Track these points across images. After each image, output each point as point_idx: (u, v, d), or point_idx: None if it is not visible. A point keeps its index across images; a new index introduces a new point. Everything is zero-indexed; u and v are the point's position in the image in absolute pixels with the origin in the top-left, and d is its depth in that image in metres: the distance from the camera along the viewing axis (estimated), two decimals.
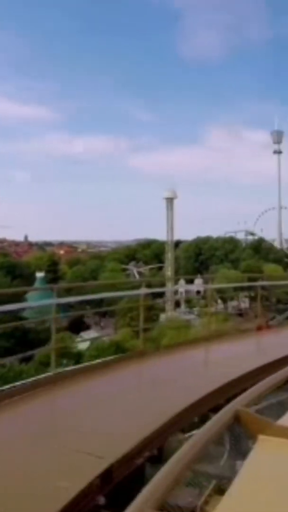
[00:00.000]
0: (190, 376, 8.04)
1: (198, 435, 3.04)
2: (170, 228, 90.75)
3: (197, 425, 5.10)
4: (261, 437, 2.97)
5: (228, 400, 4.18)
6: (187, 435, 5.20)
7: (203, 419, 4.94)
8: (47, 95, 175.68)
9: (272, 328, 13.57)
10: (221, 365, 8.64)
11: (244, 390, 3.92)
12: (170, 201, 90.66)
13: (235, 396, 3.86)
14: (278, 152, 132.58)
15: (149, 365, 9.21)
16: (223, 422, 3.21)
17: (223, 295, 57.47)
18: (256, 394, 3.75)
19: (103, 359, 10.76)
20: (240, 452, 3.11)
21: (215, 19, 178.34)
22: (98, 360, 10.81)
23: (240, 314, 65.91)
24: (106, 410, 6.09)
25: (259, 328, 12.68)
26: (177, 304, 72.07)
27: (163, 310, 62.28)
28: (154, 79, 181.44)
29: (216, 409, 4.29)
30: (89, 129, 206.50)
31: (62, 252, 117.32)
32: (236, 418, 3.25)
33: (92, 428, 5.45)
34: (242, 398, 3.62)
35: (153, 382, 7.65)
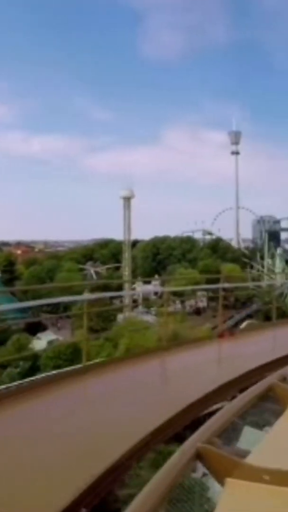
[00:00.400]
0: (141, 403, 6.78)
1: (156, 480, 2.63)
2: (127, 227, 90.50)
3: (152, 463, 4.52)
4: (229, 480, 2.65)
5: (186, 428, 3.68)
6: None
7: (157, 458, 4.48)
8: (3, 93, 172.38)
9: (235, 335, 12.53)
10: (177, 384, 7.83)
11: (205, 416, 3.45)
12: (127, 200, 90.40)
13: (194, 424, 3.33)
14: (236, 153, 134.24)
15: (90, 384, 8.00)
16: (183, 463, 2.77)
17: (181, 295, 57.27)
18: (219, 425, 3.22)
19: (43, 375, 9.69)
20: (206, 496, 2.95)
21: (177, 19, 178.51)
22: (34, 378, 9.85)
23: (198, 312, 66.09)
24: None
25: (221, 336, 11.72)
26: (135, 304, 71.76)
27: (120, 310, 61.78)
28: (114, 78, 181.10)
29: (173, 440, 3.79)
30: (47, 128, 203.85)
31: (19, 252, 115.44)
32: (199, 456, 2.86)
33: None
34: (204, 430, 3.13)
35: (94, 411, 6.47)
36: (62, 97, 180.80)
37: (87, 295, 9.50)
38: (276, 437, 3.25)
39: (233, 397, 4.60)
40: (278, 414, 3.46)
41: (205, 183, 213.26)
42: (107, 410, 6.27)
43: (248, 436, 3.53)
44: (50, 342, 52.49)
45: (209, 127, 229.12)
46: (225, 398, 6.58)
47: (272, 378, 3.76)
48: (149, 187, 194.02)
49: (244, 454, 2.90)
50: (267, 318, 48.96)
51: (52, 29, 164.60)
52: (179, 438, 5.51)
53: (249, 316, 63.92)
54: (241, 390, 6.60)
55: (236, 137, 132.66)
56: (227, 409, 3.47)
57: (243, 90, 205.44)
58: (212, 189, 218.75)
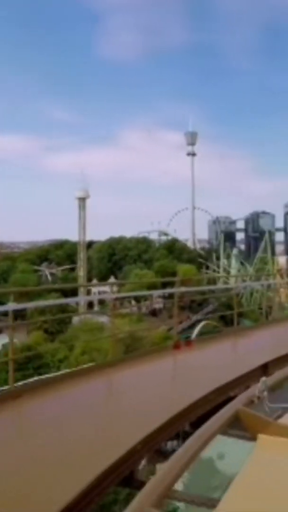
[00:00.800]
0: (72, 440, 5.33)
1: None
2: (82, 228, 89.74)
3: None
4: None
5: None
6: None
7: None
8: None
9: (192, 345, 10.63)
10: (118, 424, 5.83)
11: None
12: (82, 200, 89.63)
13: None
14: (192, 154, 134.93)
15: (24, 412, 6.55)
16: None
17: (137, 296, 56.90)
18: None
19: None
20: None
21: (136, 20, 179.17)
22: None
23: (154, 313, 65.93)
24: None
25: (176, 347, 10.06)
26: (90, 305, 71.08)
27: (75, 311, 61.02)
28: (73, 78, 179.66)
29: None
30: (4, 127, 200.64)
31: None
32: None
33: None
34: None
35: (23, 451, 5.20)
36: (21, 97, 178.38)
37: (11, 305, 7.74)
38: None
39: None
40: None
41: (161, 184, 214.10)
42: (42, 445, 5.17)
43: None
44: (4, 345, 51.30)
45: (166, 128, 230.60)
46: (172, 435, 6.00)
47: (238, 403, 3.70)
48: (105, 187, 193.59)
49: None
50: (222, 317, 49.35)
51: (11, 28, 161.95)
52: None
53: (205, 317, 64.09)
54: (194, 423, 6.09)
55: (192, 138, 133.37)
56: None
57: (200, 91, 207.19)
58: (168, 189, 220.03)
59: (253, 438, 2.99)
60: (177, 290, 11.27)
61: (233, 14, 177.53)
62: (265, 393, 3.64)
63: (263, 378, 3.80)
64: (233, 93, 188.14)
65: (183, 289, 12.09)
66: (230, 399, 6.50)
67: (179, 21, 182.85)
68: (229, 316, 15.66)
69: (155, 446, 5.54)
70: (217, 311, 56.06)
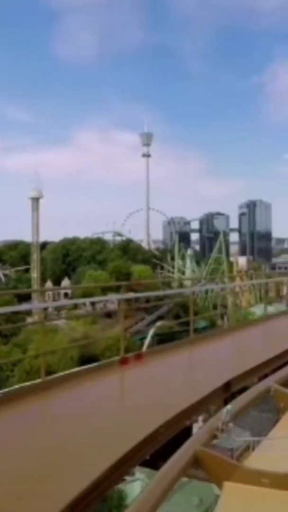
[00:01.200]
0: None
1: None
2: (36, 228, 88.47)
3: None
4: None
5: None
6: None
7: None
8: None
9: (142, 359, 9.03)
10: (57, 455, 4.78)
11: None
12: (35, 201, 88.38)
13: None
14: (147, 155, 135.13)
15: None
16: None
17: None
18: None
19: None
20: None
21: (94, 21, 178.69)
22: None
23: (109, 315, 65.40)
24: None
25: (124, 362, 8.54)
26: (45, 308, 69.97)
27: (29, 314, 59.96)
28: (27, 78, 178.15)
29: None
30: None
31: None
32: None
33: None
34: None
35: None
36: None
37: None
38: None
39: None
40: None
41: (116, 185, 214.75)
42: None
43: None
44: None
45: (122, 129, 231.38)
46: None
47: (198, 440, 3.23)
48: (60, 188, 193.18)
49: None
50: (177, 317, 49.37)
51: None
52: None
53: (160, 318, 63.99)
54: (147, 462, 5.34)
55: (147, 139, 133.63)
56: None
57: (155, 92, 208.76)
58: (123, 190, 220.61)
59: (218, 483, 2.81)
60: (134, 295, 10.80)
61: (189, 16, 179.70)
62: (230, 425, 3.17)
63: (227, 408, 3.28)
64: (188, 95, 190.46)
65: (130, 294, 11.45)
66: (187, 429, 5.75)
67: (136, 23, 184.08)
68: (185, 316, 14.53)
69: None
70: (172, 311, 56.07)
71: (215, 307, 75.32)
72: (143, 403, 6.53)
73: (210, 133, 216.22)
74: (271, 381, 3.63)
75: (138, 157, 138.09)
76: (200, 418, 6.05)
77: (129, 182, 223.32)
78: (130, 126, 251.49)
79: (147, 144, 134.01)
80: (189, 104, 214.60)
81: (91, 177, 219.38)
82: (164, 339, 41.23)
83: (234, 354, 10.41)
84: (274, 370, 7.03)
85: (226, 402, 6.47)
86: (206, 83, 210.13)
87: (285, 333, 12.78)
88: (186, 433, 5.44)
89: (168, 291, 27.19)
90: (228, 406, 3.26)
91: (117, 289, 44.07)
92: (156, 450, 5.13)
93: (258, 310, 27.32)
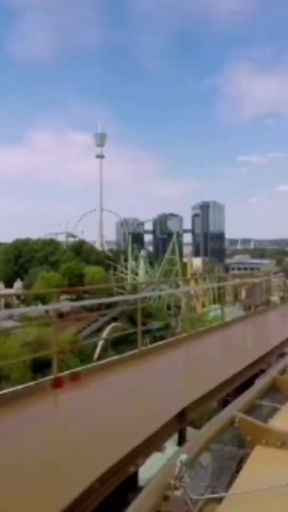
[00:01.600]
0: None
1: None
2: None
3: None
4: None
5: None
6: None
7: None
8: None
9: (80, 380, 7.52)
10: None
11: None
12: None
13: None
14: (100, 156, 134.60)
15: None
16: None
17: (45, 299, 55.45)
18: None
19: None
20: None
21: (50, 20, 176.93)
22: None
23: (62, 316, 64.57)
24: None
25: (56, 385, 7.14)
26: None
27: None
28: None
29: None
30: None
31: None
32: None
33: None
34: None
35: None
36: None
37: None
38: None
39: None
40: None
41: (69, 185, 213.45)
42: None
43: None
44: None
45: (76, 129, 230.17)
46: None
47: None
48: (12, 188, 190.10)
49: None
50: (131, 319, 49.00)
51: None
52: None
53: (114, 319, 63.57)
54: None
55: (101, 139, 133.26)
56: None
57: (112, 92, 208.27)
58: (76, 191, 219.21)
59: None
60: (83, 303, 10.18)
61: (147, 17, 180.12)
62: (185, 479, 2.50)
63: (182, 457, 2.55)
64: (144, 95, 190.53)
65: (93, 301, 10.82)
66: (131, 478, 4.74)
67: (92, 22, 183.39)
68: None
69: None
70: (126, 313, 55.65)
71: (169, 307, 75.52)
72: (78, 445, 5.05)
73: (165, 134, 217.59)
74: (234, 409, 3.36)
75: (92, 158, 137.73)
76: (148, 461, 4.91)
77: (82, 183, 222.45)
78: (85, 126, 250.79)
79: (100, 144, 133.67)
80: (145, 105, 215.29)
81: (45, 177, 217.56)
82: (117, 341, 40.90)
83: (189, 373, 9.01)
84: (236, 392, 6.48)
85: (180, 435, 6.06)
86: (162, 84, 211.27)
87: (243, 343, 11.87)
88: (130, 484, 4.61)
89: (116, 298, 26.49)
90: (182, 456, 2.54)
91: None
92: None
93: (212, 312, 27.03)
